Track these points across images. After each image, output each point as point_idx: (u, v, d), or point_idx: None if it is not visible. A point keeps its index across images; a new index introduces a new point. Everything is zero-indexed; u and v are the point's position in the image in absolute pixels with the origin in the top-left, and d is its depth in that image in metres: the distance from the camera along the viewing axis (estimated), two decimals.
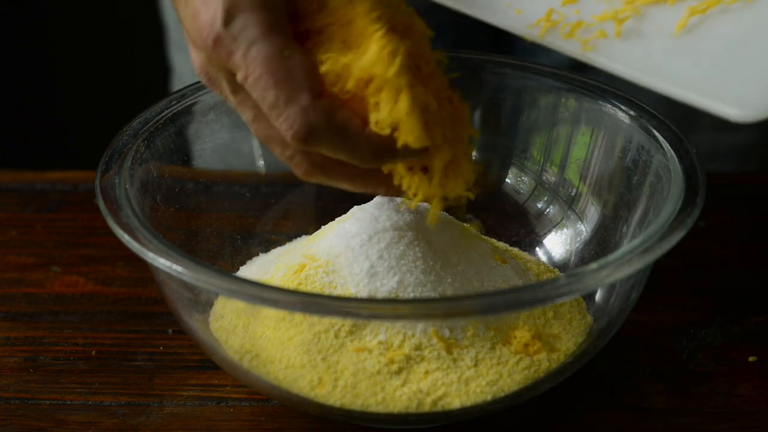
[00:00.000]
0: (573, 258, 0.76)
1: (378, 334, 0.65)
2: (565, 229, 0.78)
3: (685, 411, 0.69)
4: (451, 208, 0.67)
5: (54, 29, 1.78)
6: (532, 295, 0.60)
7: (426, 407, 0.64)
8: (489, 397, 0.64)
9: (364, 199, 0.70)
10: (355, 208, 0.71)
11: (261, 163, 0.80)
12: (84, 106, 1.81)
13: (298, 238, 0.78)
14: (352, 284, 0.66)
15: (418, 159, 0.61)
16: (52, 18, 1.77)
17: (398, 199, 0.69)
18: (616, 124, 0.75)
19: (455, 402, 0.64)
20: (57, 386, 0.71)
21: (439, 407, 0.64)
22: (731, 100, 0.58)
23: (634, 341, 0.73)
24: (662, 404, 0.70)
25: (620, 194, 0.74)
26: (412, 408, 0.64)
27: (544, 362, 0.66)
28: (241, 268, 0.76)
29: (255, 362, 0.66)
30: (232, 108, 0.62)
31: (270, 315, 0.67)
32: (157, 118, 0.73)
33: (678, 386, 0.71)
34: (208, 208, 0.76)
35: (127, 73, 1.79)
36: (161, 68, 1.19)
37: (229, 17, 0.59)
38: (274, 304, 0.61)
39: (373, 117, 0.60)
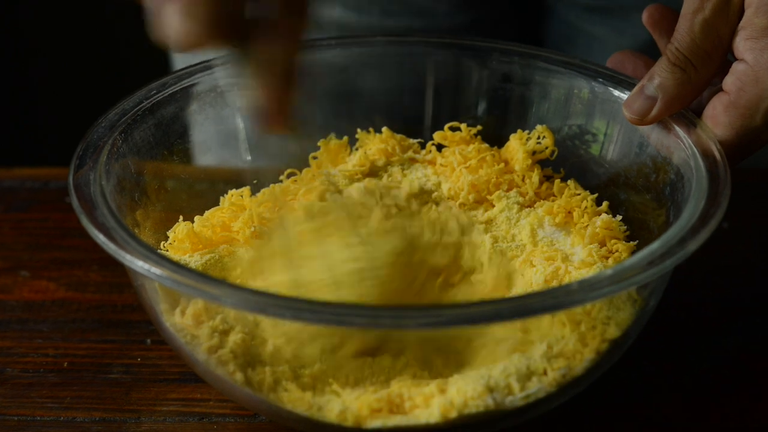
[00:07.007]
0: None
1: None
2: None
3: (704, 426, 0.69)
4: None
5: (27, 16, 1.79)
6: (542, 302, 0.59)
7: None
8: (499, 409, 0.62)
9: None
10: None
11: (248, 158, 0.79)
12: (57, 97, 1.81)
13: None
14: None
15: None
16: (25, 5, 1.78)
17: None
18: None
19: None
20: (26, 401, 0.71)
21: (440, 418, 0.62)
22: None
23: (650, 350, 0.73)
24: (680, 418, 0.69)
25: (637, 194, 0.73)
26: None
27: (558, 373, 0.64)
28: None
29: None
30: None
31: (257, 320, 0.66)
32: (135, 109, 0.72)
33: (697, 399, 0.70)
34: (190, 206, 0.75)
35: (101, 62, 1.80)
36: (144, 59, 1.20)
37: None
38: (262, 310, 0.60)
39: None
